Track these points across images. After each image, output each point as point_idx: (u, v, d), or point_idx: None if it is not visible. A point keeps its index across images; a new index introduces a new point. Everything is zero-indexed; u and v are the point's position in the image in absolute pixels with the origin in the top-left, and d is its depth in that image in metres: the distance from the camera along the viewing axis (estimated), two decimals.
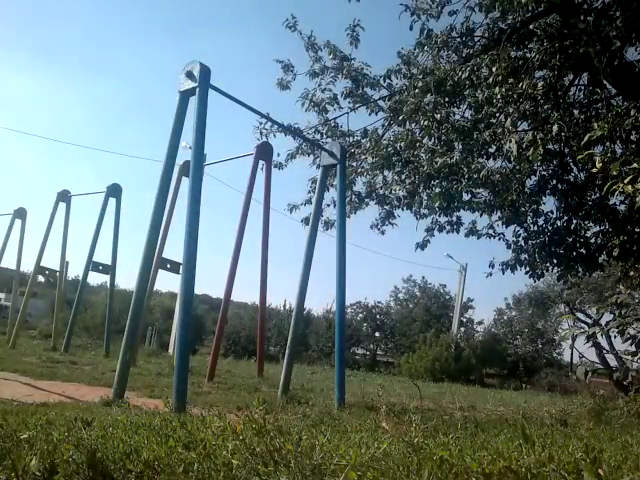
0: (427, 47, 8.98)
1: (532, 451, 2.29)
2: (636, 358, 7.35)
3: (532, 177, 9.35)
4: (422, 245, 9.89)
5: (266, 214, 12.26)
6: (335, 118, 10.06)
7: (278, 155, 10.97)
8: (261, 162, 11.69)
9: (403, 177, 9.36)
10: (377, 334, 35.28)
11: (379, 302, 35.90)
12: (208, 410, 3.57)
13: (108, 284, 17.68)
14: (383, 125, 9.84)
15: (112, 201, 15.94)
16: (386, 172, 9.76)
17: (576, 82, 9.23)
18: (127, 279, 63.01)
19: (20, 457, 2.24)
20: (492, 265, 9.98)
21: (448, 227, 9.92)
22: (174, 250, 14.10)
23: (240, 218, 11.57)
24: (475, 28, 8.90)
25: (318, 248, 8.60)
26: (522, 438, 2.49)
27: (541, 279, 11.03)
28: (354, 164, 10.07)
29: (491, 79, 7.99)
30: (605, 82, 8.08)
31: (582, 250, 9.32)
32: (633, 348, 7.10)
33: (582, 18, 7.77)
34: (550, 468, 1.97)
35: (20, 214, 18.39)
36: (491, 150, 8.92)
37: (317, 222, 8.85)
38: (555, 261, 9.61)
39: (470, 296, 34.88)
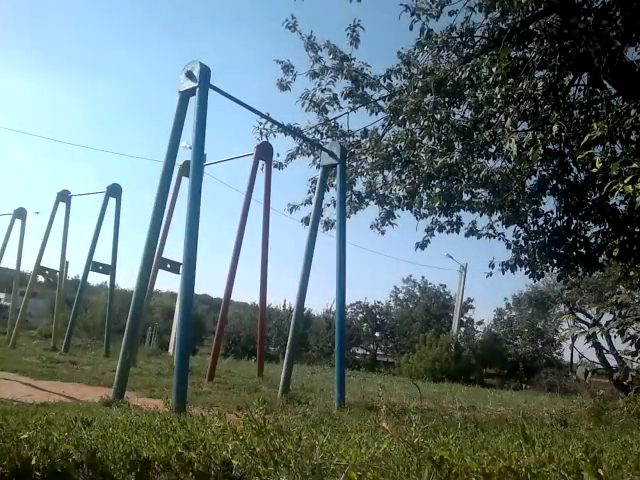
0: (427, 47, 8.98)
1: (532, 451, 2.29)
2: (636, 358, 7.35)
3: (532, 177, 9.36)
4: (422, 245, 9.89)
5: (266, 214, 12.27)
6: (335, 118, 10.07)
7: (278, 155, 11.00)
8: (261, 162, 11.70)
9: (403, 177, 9.37)
10: (377, 334, 35.25)
11: (379, 302, 35.94)
12: (208, 410, 3.57)
13: (108, 284, 17.71)
14: (383, 125, 9.85)
15: (112, 201, 15.95)
16: (386, 172, 9.76)
17: (576, 82, 9.24)
18: (127, 279, 62.87)
19: (20, 457, 2.24)
20: (492, 265, 10.00)
21: (448, 227, 9.92)
22: (174, 250, 14.11)
23: (240, 218, 11.59)
24: (475, 28, 8.90)
25: (318, 248, 8.62)
26: (522, 438, 2.49)
27: (541, 279, 11.06)
28: (354, 164, 10.07)
29: (491, 79, 7.99)
30: (605, 82, 8.08)
31: (582, 250, 9.33)
32: (633, 348, 7.11)
33: (582, 18, 7.76)
34: (550, 468, 1.98)
35: (20, 214, 18.39)
36: (491, 150, 8.93)
37: (317, 222, 8.86)
38: (555, 261, 9.62)
39: (470, 296, 34.91)
